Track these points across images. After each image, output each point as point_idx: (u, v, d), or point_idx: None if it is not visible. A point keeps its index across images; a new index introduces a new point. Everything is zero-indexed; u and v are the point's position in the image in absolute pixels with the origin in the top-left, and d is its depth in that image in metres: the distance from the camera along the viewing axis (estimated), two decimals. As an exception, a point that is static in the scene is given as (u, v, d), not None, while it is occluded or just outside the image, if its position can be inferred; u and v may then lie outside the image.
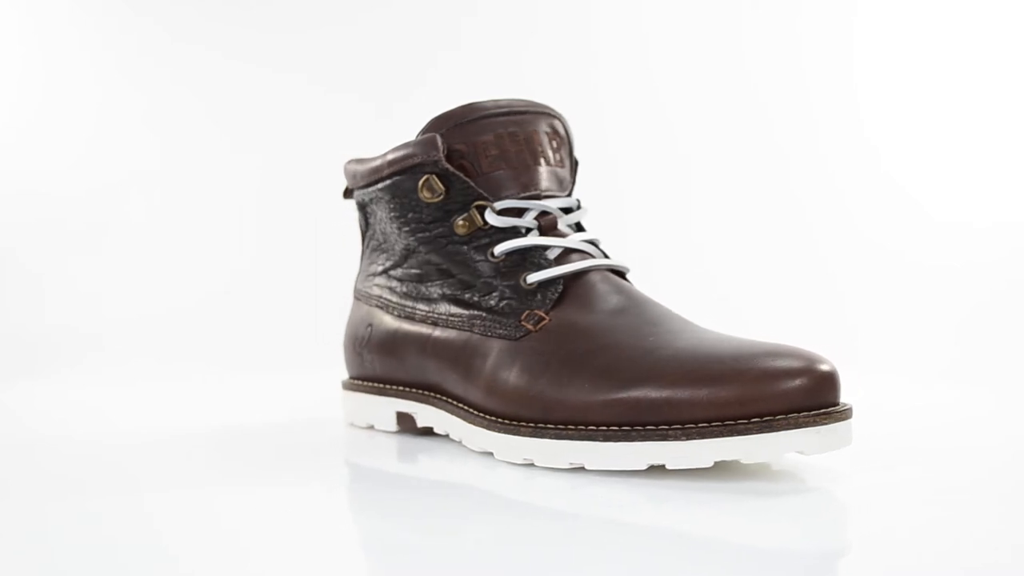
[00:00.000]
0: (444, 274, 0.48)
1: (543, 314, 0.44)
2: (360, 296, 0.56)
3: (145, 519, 0.36)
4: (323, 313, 0.95)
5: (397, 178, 0.49)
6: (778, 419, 0.37)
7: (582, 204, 0.50)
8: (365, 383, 0.55)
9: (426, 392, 0.50)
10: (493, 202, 0.46)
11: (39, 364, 0.86)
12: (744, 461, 0.38)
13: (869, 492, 0.39)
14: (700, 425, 0.38)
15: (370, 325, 0.54)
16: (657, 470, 0.38)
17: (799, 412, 0.37)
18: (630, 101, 1.04)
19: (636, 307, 0.44)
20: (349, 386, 0.56)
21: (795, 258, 0.99)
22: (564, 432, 0.41)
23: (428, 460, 0.48)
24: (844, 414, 0.38)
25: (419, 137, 0.48)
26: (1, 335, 0.91)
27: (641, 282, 0.49)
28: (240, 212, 1.04)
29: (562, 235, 0.47)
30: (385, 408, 0.53)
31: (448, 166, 0.47)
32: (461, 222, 0.47)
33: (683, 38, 1.06)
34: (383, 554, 0.32)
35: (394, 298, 0.52)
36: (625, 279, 0.48)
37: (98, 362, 0.87)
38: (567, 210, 0.48)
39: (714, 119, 1.05)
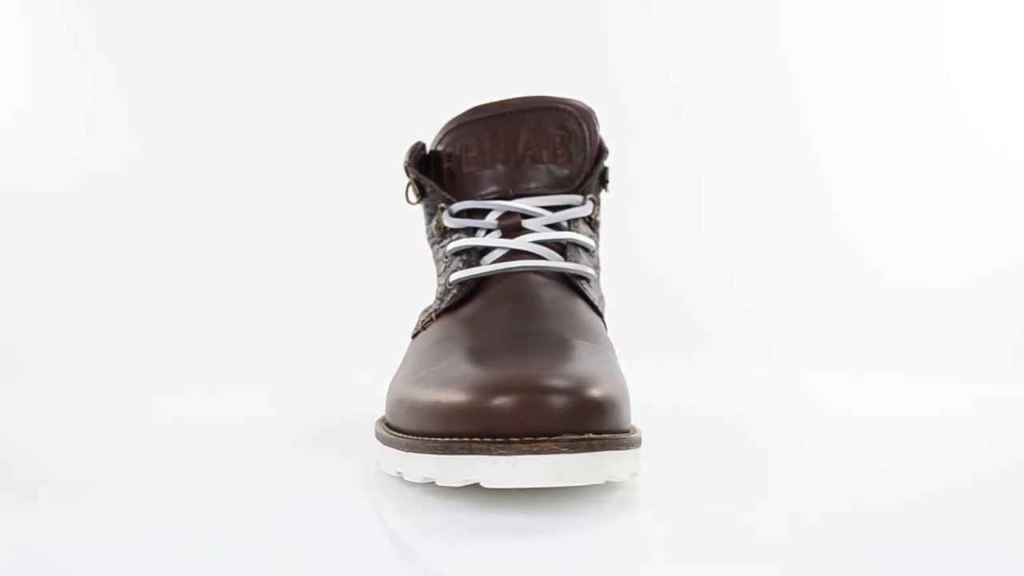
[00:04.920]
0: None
1: (434, 315, 0.44)
2: None
3: (142, 518, 0.36)
4: (319, 314, 0.96)
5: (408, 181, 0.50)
6: (455, 442, 0.33)
7: (591, 200, 0.47)
8: None
9: None
10: (451, 204, 0.47)
11: (36, 364, 0.85)
12: (440, 483, 0.34)
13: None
14: (422, 438, 0.35)
15: None
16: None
17: (492, 436, 0.32)
18: (638, 99, 1.04)
19: (525, 314, 0.41)
20: None
21: (796, 260, 0.99)
22: (382, 435, 0.39)
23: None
24: (537, 446, 0.32)
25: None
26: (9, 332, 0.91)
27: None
28: (233, 215, 1.04)
29: (525, 234, 0.45)
30: None
31: (414, 171, 0.48)
32: (435, 223, 0.48)
33: (687, 39, 1.06)
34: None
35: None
36: (577, 285, 0.45)
37: (91, 363, 0.87)
38: (558, 208, 0.46)
39: (717, 119, 1.05)
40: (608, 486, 0.38)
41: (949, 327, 0.91)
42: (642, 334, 0.89)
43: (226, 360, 0.87)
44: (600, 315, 0.45)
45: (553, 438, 0.32)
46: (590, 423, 0.33)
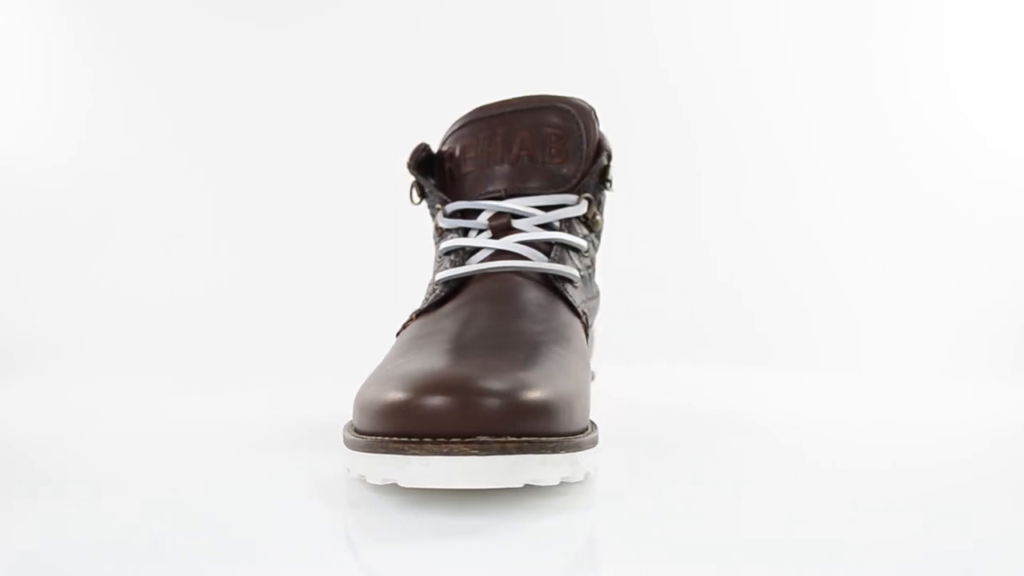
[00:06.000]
0: None
1: (414, 316, 0.44)
2: None
3: (132, 519, 0.36)
4: (319, 314, 0.96)
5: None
6: (376, 440, 0.33)
7: (586, 199, 0.47)
8: None
9: None
10: (445, 205, 0.47)
11: (36, 364, 0.85)
12: (370, 480, 0.34)
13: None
14: (360, 436, 0.35)
15: None
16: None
17: (412, 436, 0.32)
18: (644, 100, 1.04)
19: (496, 315, 0.41)
20: None
21: (796, 260, 0.99)
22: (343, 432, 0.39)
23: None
24: (448, 447, 0.32)
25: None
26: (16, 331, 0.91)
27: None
28: (233, 215, 1.04)
29: (514, 234, 0.45)
30: None
31: (413, 172, 0.49)
32: (434, 224, 0.48)
33: (687, 39, 1.06)
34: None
35: None
36: (560, 287, 0.44)
37: (87, 364, 0.87)
38: (551, 207, 0.46)
39: (717, 119, 1.05)
40: (576, 486, 0.37)
41: (949, 327, 0.91)
42: (642, 334, 0.89)
43: (226, 360, 0.87)
44: (580, 317, 0.44)
45: (466, 440, 0.32)
46: (513, 426, 0.32)
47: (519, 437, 0.32)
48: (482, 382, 0.33)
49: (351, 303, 0.93)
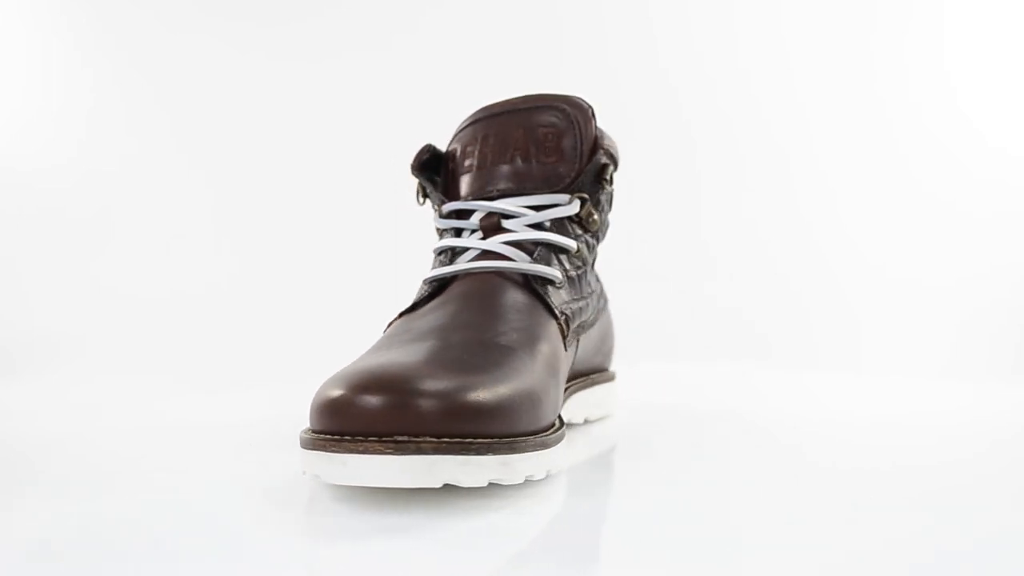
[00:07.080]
0: None
1: (398, 316, 0.44)
2: None
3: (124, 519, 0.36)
4: (319, 313, 0.96)
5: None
6: (306, 437, 0.34)
7: (579, 199, 0.46)
8: None
9: None
10: (442, 205, 0.48)
11: (36, 364, 0.85)
12: (305, 476, 0.35)
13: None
14: (305, 432, 0.35)
15: None
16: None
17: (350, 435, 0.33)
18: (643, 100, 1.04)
19: (469, 315, 0.40)
20: None
21: (796, 260, 0.99)
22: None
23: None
24: (364, 446, 0.32)
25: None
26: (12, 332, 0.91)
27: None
28: (233, 215, 1.04)
29: (502, 234, 0.45)
30: None
31: (416, 173, 0.49)
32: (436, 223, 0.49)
33: (687, 38, 1.06)
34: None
35: None
36: (540, 288, 0.44)
37: (84, 365, 0.87)
38: (542, 207, 0.46)
39: (717, 119, 1.05)
40: (570, 485, 0.37)
41: (949, 327, 0.90)
42: (642, 334, 0.89)
43: (226, 360, 0.87)
44: (557, 319, 0.44)
45: (383, 439, 0.32)
46: (445, 427, 0.32)
47: (439, 438, 0.32)
48: (416, 383, 0.33)
49: (352, 303, 0.93)
